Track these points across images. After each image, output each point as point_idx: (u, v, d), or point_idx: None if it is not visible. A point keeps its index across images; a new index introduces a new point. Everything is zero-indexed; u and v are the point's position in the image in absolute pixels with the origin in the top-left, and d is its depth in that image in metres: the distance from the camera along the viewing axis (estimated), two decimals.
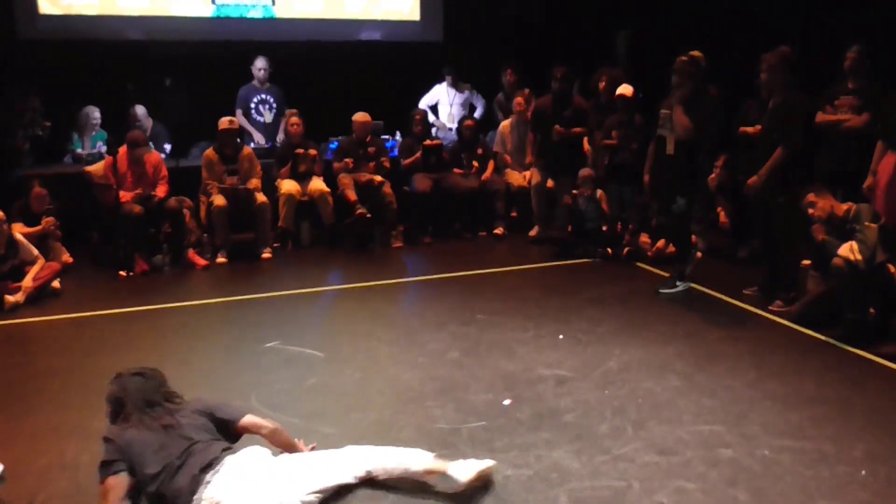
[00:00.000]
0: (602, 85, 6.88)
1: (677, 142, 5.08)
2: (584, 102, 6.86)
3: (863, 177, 4.89)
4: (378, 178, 6.85)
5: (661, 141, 5.25)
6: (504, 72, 7.90)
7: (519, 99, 7.35)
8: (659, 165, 5.44)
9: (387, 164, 7.01)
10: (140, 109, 7.14)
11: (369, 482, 2.76)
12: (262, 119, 7.59)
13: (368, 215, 6.65)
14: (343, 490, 2.72)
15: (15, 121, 6.59)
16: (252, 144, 7.30)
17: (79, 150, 7.09)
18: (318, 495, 2.66)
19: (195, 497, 2.49)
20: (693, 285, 5.40)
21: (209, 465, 2.55)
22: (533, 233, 7.07)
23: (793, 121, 4.70)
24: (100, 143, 7.17)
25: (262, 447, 2.76)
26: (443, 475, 2.74)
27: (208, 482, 2.51)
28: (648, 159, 5.64)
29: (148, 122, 7.26)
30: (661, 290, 5.32)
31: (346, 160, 6.82)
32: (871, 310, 4.33)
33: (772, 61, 4.72)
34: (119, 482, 2.52)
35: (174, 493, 2.52)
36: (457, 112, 8.16)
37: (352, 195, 6.66)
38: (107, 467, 2.55)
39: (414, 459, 2.78)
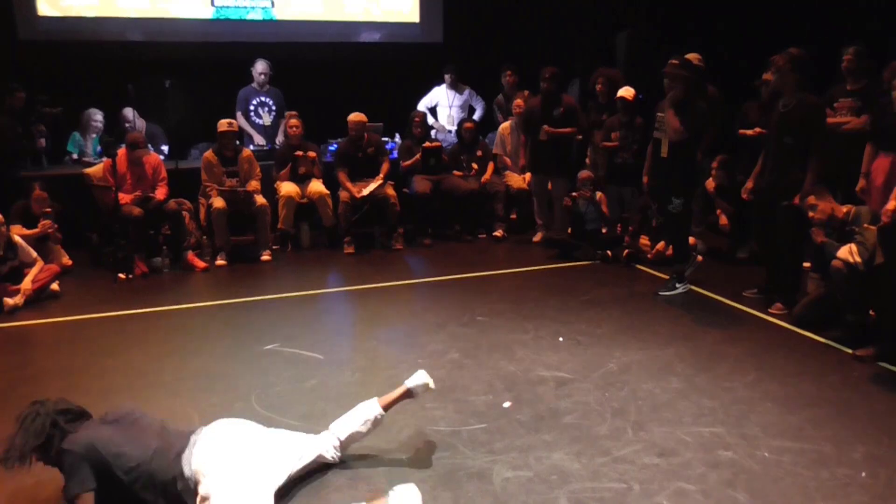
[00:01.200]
0: (599, 87, 6.89)
1: (671, 144, 5.09)
2: (574, 102, 6.85)
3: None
4: (378, 186, 6.80)
5: (658, 143, 5.27)
6: (504, 73, 7.90)
7: (519, 101, 7.34)
8: (656, 167, 5.45)
9: (385, 169, 6.95)
10: (129, 112, 7.15)
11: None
12: (260, 121, 7.59)
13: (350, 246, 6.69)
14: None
15: (17, 120, 6.58)
16: (252, 146, 7.30)
17: (74, 155, 7.09)
18: (300, 462, 2.80)
19: (177, 472, 2.54)
20: (692, 287, 5.40)
21: (186, 443, 2.62)
22: (537, 238, 7.06)
23: (817, 125, 4.62)
24: (99, 149, 7.17)
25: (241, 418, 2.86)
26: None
27: (188, 457, 2.57)
28: (647, 160, 5.65)
29: (140, 124, 7.26)
30: (661, 293, 5.33)
31: (345, 189, 6.75)
32: (871, 312, 4.33)
33: (780, 63, 4.64)
34: (92, 498, 2.51)
35: (157, 474, 2.54)
36: (456, 114, 8.16)
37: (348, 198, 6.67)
38: (79, 481, 2.50)
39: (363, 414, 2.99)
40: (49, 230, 5.78)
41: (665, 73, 5.07)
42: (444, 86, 8.18)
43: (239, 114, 7.43)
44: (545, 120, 6.56)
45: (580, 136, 6.83)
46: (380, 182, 6.79)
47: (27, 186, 5.89)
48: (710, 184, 6.20)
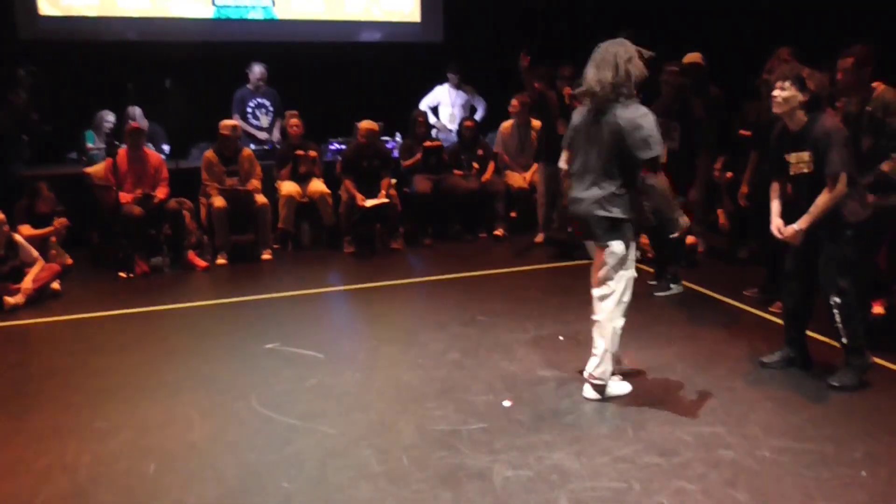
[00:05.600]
0: None
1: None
2: None
3: None
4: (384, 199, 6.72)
5: None
6: (520, 57, 7.72)
7: (514, 102, 7.33)
8: None
9: (386, 185, 6.82)
10: (136, 110, 7.14)
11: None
12: (258, 123, 7.59)
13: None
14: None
15: (15, 117, 6.58)
16: (252, 146, 7.30)
17: (90, 144, 7.12)
18: None
19: None
20: (692, 286, 5.40)
21: None
22: (538, 238, 7.04)
23: None
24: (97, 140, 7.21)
25: None
26: None
27: None
28: None
29: (143, 123, 7.25)
30: (657, 294, 5.33)
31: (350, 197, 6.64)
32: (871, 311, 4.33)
33: (775, 63, 4.69)
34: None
35: None
36: (458, 113, 8.17)
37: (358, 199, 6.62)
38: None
39: None
40: (63, 229, 5.82)
41: (662, 80, 5.10)
42: (445, 85, 8.18)
43: (236, 115, 7.42)
44: (563, 115, 6.55)
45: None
46: (383, 200, 6.71)
47: (33, 187, 5.88)
48: (724, 182, 6.16)
